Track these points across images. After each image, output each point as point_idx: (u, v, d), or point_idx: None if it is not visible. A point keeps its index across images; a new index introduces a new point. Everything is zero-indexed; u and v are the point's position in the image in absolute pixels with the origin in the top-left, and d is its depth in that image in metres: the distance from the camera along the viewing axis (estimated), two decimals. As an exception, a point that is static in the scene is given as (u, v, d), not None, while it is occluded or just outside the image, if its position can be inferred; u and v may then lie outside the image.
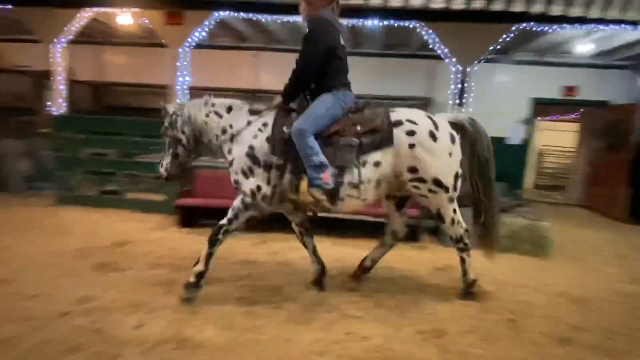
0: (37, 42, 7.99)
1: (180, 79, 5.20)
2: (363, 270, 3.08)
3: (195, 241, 4.25)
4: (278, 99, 2.76)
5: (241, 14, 5.16)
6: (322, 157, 2.54)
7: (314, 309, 2.83)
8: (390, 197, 2.97)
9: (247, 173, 2.70)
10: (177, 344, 2.34)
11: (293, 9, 4.91)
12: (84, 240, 4.03)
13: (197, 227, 4.70)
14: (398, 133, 2.65)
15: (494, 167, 2.83)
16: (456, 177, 2.72)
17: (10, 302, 2.68)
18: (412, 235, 4.52)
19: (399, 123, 2.67)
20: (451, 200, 2.74)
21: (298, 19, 5.13)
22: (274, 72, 8.92)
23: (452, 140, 2.71)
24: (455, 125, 2.81)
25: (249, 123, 2.78)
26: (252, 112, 2.83)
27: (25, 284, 2.97)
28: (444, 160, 2.66)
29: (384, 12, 5.06)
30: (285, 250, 4.04)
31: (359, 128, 2.62)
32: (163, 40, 5.37)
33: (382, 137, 2.62)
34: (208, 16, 5.12)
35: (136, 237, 4.26)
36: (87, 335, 2.37)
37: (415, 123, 2.68)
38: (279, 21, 5.98)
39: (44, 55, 7.23)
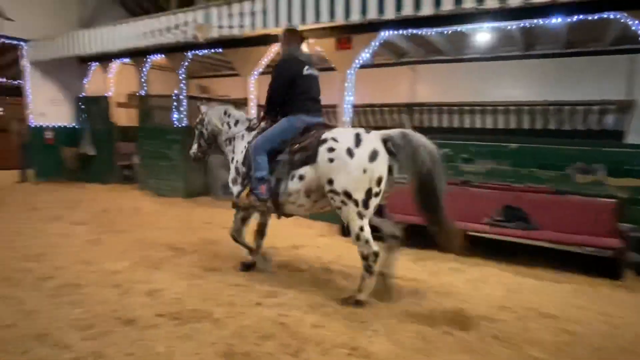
0: (235, 76, 9.67)
1: (348, 98, 5.53)
2: (387, 283, 3.12)
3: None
4: (261, 114, 3.39)
5: (405, 31, 5.19)
6: (264, 173, 3.12)
7: (490, 341, 2.54)
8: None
9: (234, 182, 3.42)
10: (350, 351, 2.42)
11: (456, 19, 4.72)
12: (269, 241, 4.61)
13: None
14: (322, 150, 2.95)
15: (440, 178, 2.75)
16: (368, 193, 2.82)
17: (219, 288, 3.26)
18: (611, 270, 3.67)
19: (324, 141, 2.96)
20: (360, 216, 2.85)
21: (460, 27, 4.95)
22: (432, 83, 8.65)
23: (372, 158, 2.82)
24: (388, 142, 2.86)
25: (242, 137, 3.47)
26: (248, 129, 3.50)
27: (229, 274, 3.58)
28: (356, 175, 2.82)
29: (576, 6, 4.30)
30: (445, 271, 3.81)
31: (295, 147, 3.06)
32: (333, 65, 5.82)
33: (308, 154, 2.99)
34: (375, 37, 5.32)
35: (307, 241, 4.67)
36: (275, 326, 2.68)
37: (337, 141, 2.92)
38: (444, 32, 5.77)
39: (238, 86, 8.75)
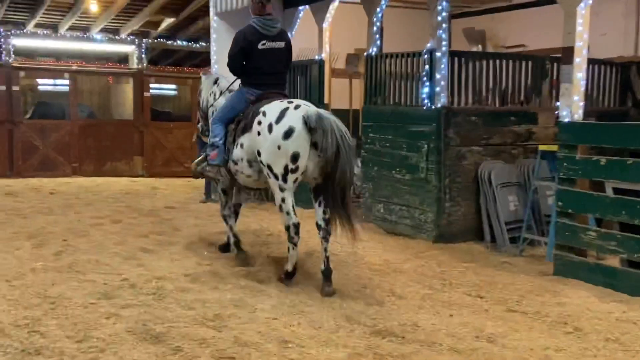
0: (540, 6, 9.41)
1: None
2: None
3: None
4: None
5: None
6: (216, 139, 6.11)
7: None
8: (310, 191, 5.85)
9: None
10: None
11: None
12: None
13: None
14: (255, 122, 5.71)
15: (344, 161, 5.31)
16: (286, 169, 5.46)
17: None
18: None
19: (257, 113, 5.72)
20: (281, 189, 5.57)
21: None
22: None
23: (286, 136, 5.39)
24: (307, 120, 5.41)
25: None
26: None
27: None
28: (273, 151, 5.47)
29: None
30: None
31: (241, 115, 6.06)
32: None
33: (246, 123, 5.87)
34: None
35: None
36: None
37: (265, 115, 5.62)
38: None
39: (546, 25, 8.44)
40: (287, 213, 5.59)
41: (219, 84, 6.79)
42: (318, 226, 5.65)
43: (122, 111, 16.03)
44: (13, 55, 14.00)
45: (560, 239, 6.22)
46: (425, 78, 7.80)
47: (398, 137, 8.13)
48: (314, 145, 5.41)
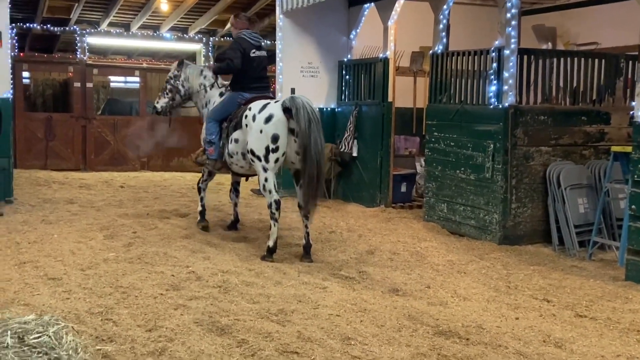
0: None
1: None
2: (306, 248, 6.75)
3: None
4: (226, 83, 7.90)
5: None
6: (212, 137, 7.40)
7: None
8: (292, 176, 7.08)
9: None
10: None
11: None
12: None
13: None
14: (243, 118, 6.91)
15: (315, 138, 6.31)
16: (267, 150, 6.53)
17: None
18: None
19: (244, 110, 6.93)
20: (264, 169, 6.62)
21: None
22: None
23: (267, 120, 6.55)
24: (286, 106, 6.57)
25: (214, 103, 7.71)
26: (221, 94, 7.69)
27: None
28: (256, 136, 6.63)
29: None
30: None
31: (232, 115, 7.24)
32: None
33: (237, 122, 7.06)
34: None
35: None
36: None
37: (250, 110, 6.84)
38: None
39: (624, 23, 8.21)
40: (269, 192, 6.58)
41: (205, 75, 7.84)
42: (299, 206, 6.74)
43: (189, 108, 16.31)
44: (87, 53, 14.52)
45: (634, 243, 6.02)
46: (492, 76, 7.66)
47: (463, 136, 8.04)
48: (291, 131, 6.49)
